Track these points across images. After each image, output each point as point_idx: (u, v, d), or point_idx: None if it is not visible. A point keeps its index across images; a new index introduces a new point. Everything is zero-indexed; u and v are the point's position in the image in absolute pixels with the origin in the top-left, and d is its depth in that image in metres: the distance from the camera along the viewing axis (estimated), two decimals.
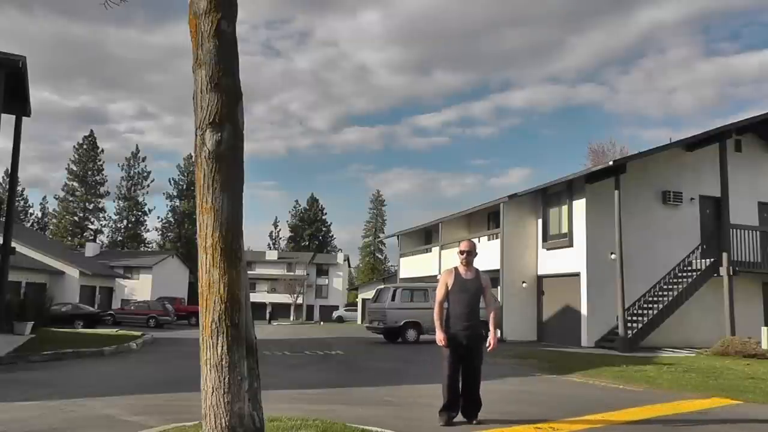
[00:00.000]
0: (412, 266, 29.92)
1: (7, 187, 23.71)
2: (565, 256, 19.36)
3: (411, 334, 18.20)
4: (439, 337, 5.47)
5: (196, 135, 3.49)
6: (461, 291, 5.58)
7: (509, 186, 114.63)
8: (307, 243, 79.43)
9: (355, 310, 53.27)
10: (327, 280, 67.02)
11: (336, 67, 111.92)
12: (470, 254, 5.71)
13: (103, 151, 65.60)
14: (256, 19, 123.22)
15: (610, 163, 17.74)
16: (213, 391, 3.29)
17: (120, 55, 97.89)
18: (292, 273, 64.76)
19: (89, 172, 63.71)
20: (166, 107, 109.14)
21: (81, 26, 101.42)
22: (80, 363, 11.31)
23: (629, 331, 16.72)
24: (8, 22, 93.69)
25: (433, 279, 25.70)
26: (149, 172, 67.96)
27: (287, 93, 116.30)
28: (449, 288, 5.62)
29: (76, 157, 63.74)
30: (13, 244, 17.68)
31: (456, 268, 5.71)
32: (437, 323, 5.54)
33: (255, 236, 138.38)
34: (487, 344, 5.65)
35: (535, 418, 5.84)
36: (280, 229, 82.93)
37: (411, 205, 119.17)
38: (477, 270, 5.76)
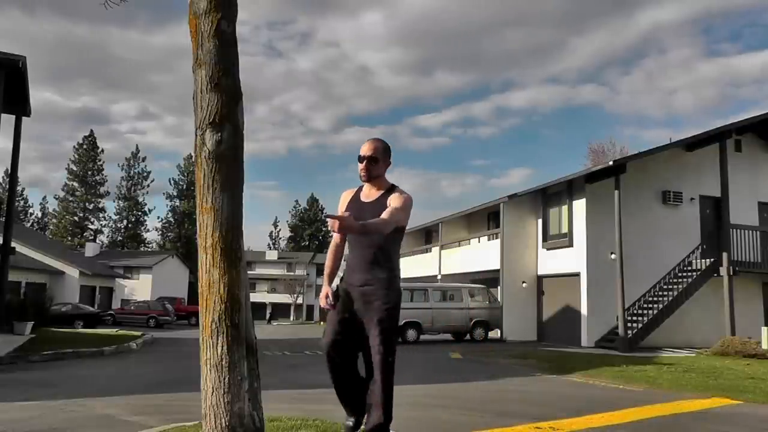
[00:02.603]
0: (411, 266, 29.93)
1: (7, 187, 23.70)
2: (565, 256, 19.37)
3: (411, 334, 18.23)
4: (322, 294, 3.52)
5: (196, 135, 3.49)
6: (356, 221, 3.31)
7: (509, 186, 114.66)
8: (307, 243, 79.45)
9: None
10: None
11: (337, 68, 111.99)
12: (372, 161, 3.43)
13: (103, 151, 65.68)
14: (258, 20, 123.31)
15: (610, 163, 17.75)
16: (213, 391, 3.30)
17: (122, 55, 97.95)
18: (292, 273, 64.75)
19: (89, 172, 63.72)
20: (168, 107, 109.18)
21: (83, 27, 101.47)
22: (80, 363, 11.32)
23: (629, 331, 16.72)
24: (10, 23, 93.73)
25: (433, 279, 25.72)
26: (149, 172, 68.08)
27: (288, 93, 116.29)
28: None
29: (76, 157, 63.76)
30: (13, 244, 17.69)
31: (359, 188, 3.59)
32: (324, 274, 3.65)
33: (255, 236, 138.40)
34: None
35: (535, 418, 5.83)
36: (280, 229, 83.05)
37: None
38: (390, 188, 3.50)
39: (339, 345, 3.45)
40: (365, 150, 3.46)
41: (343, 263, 3.66)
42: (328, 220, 3.07)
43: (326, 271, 3.64)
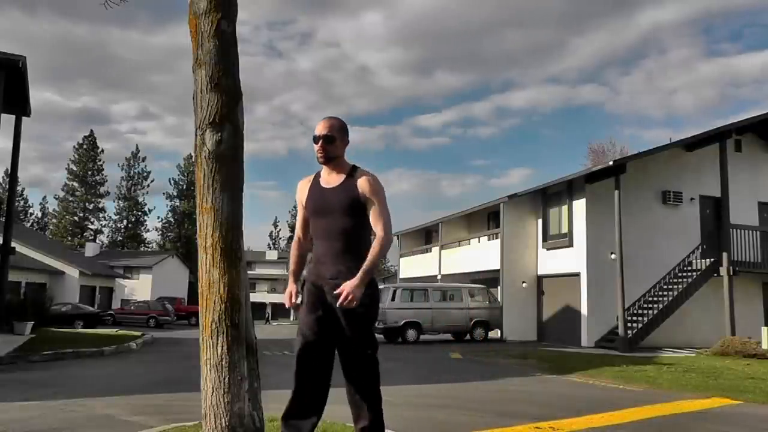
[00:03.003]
0: (412, 266, 29.93)
1: (7, 187, 23.71)
2: (565, 256, 19.37)
3: (411, 334, 18.23)
4: (286, 293, 3.26)
5: (196, 135, 3.49)
6: (318, 212, 3.19)
7: (510, 186, 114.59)
8: None
9: None
10: None
11: (337, 68, 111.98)
12: (328, 141, 3.17)
13: (103, 151, 65.62)
14: (258, 20, 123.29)
15: (610, 163, 17.76)
16: (213, 391, 3.30)
17: (122, 55, 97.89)
18: None
19: (89, 172, 63.70)
20: (168, 108, 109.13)
21: (83, 27, 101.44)
22: (80, 363, 11.31)
23: (629, 331, 16.73)
24: (11, 23, 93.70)
25: (433, 279, 25.73)
26: (149, 172, 68.00)
27: (289, 94, 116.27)
28: (305, 208, 3.29)
29: (76, 157, 63.74)
30: (13, 244, 17.70)
31: (317, 174, 3.31)
32: (289, 271, 3.39)
33: (255, 236, 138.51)
34: (341, 290, 2.98)
35: (535, 418, 5.83)
36: (280, 229, 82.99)
37: (411, 205, 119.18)
38: (354, 170, 3.22)
39: (316, 346, 3.17)
40: (320, 129, 3.20)
41: (309, 256, 3.44)
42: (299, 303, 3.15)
43: (291, 267, 3.39)
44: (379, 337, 19.19)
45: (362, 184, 3.14)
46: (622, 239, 16.91)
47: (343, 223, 3.12)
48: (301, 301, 3.25)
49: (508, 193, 21.42)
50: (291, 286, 3.27)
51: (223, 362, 3.31)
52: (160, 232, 69.06)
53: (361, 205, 3.12)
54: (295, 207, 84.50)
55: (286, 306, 3.32)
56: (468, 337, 19.35)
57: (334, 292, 3.00)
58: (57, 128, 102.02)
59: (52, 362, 11.24)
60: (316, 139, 3.19)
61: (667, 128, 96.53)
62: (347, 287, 2.95)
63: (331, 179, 3.21)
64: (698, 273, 17.79)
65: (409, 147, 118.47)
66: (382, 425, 3.20)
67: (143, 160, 67.85)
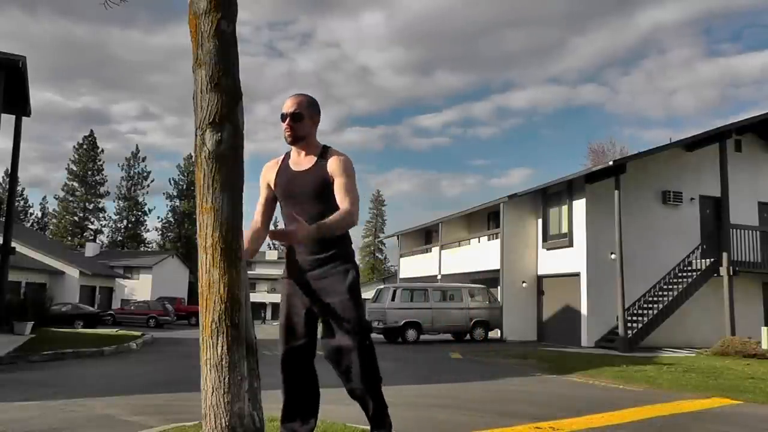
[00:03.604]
0: (412, 266, 29.92)
1: (7, 187, 23.72)
2: (565, 256, 19.37)
3: (411, 334, 18.24)
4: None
5: (195, 135, 3.48)
6: (288, 196, 3.01)
7: (510, 186, 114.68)
8: None
9: None
10: None
11: (338, 68, 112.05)
12: (296, 118, 2.96)
13: (103, 151, 65.65)
14: (259, 21, 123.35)
15: (610, 163, 17.77)
16: (213, 391, 3.29)
17: (123, 56, 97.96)
18: None
19: (89, 172, 63.71)
20: (168, 108, 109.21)
21: (84, 27, 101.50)
22: (80, 363, 11.32)
23: (629, 331, 16.73)
24: (11, 23, 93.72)
25: (433, 279, 25.73)
26: (149, 172, 68.04)
27: (289, 94, 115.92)
28: (274, 191, 3.10)
29: (76, 157, 63.75)
30: (13, 244, 17.71)
31: (286, 155, 3.11)
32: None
33: None
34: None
35: (535, 418, 5.83)
36: None
37: (411, 205, 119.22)
38: (325, 151, 3.02)
39: (300, 351, 2.99)
40: (287, 106, 2.97)
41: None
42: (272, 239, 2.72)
43: (246, 245, 3.06)
44: (379, 337, 19.22)
45: (331, 163, 2.94)
46: (622, 239, 16.92)
47: (317, 208, 2.91)
48: (281, 301, 3.11)
49: (508, 193, 21.45)
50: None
51: (223, 362, 3.31)
52: (160, 232, 69.09)
53: (332, 188, 2.92)
54: None
55: None
56: (468, 337, 19.35)
57: (275, 230, 2.72)
58: (57, 128, 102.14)
59: (52, 362, 11.24)
60: (283, 117, 2.99)
61: (667, 128, 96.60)
62: (292, 230, 2.69)
63: (301, 161, 3.01)
64: (698, 273, 17.79)
65: (410, 147, 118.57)
66: (384, 407, 3.08)
67: (143, 160, 67.94)
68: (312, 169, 2.97)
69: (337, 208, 2.88)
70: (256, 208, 3.18)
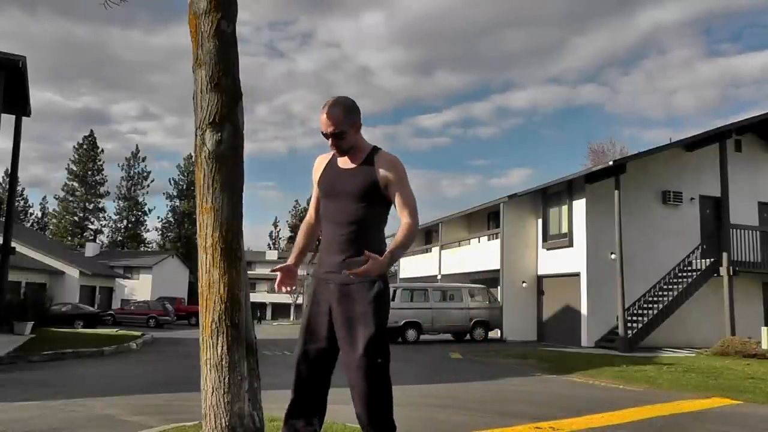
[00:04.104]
0: (412, 266, 29.92)
1: (7, 187, 23.72)
2: (565, 256, 19.37)
3: (411, 334, 18.23)
4: (281, 267, 2.94)
5: (196, 135, 3.49)
6: (330, 194, 2.89)
7: (510, 186, 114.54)
8: None
9: None
10: None
11: (338, 68, 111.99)
12: (338, 137, 2.83)
13: (103, 151, 65.67)
14: (260, 21, 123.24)
15: (610, 163, 17.76)
16: (213, 391, 3.30)
17: (123, 56, 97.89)
18: None
19: (89, 172, 63.72)
20: (168, 108, 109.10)
21: (84, 27, 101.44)
22: (80, 363, 11.32)
23: (629, 331, 16.73)
24: (11, 23, 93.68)
25: (433, 279, 25.73)
26: (149, 172, 68.06)
27: (289, 94, 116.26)
28: (319, 188, 2.99)
29: (76, 157, 63.76)
30: (13, 244, 17.72)
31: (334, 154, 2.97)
32: (292, 254, 3.07)
33: (255, 236, 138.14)
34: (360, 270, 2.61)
35: (535, 418, 5.83)
36: (280, 229, 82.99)
37: None
38: (374, 152, 2.91)
39: (317, 354, 2.84)
40: (325, 125, 2.80)
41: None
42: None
43: (294, 251, 3.03)
44: None
45: (383, 167, 2.80)
46: (622, 239, 16.91)
47: (355, 209, 2.77)
48: (304, 300, 2.97)
49: (508, 193, 21.44)
50: (289, 262, 2.95)
51: (223, 362, 3.31)
52: (160, 232, 69.10)
53: (378, 191, 2.78)
54: (294, 207, 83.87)
55: (276, 291, 3.00)
56: (468, 337, 19.35)
57: (344, 272, 2.63)
58: (57, 128, 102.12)
59: (52, 362, 11.24)
60: (325, 136, 2.85)
61: (667, 128, 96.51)
62: (369, 264, 2.56)
63: (349, 159, 2.89)
64: (698, 273, 17.79)
65: (410, 147, 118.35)
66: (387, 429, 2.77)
67: (143, 160, 67.96)
68: (358, 169, 2.84)
69: (377, 211, 2.81)
70: (311, 202, 3.08)
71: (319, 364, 2.86)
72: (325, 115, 2.82)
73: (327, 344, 2.82)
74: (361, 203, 2.78)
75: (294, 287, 2.96)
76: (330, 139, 2.83)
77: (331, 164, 2.94)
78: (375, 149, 2.92)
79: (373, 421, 2.75)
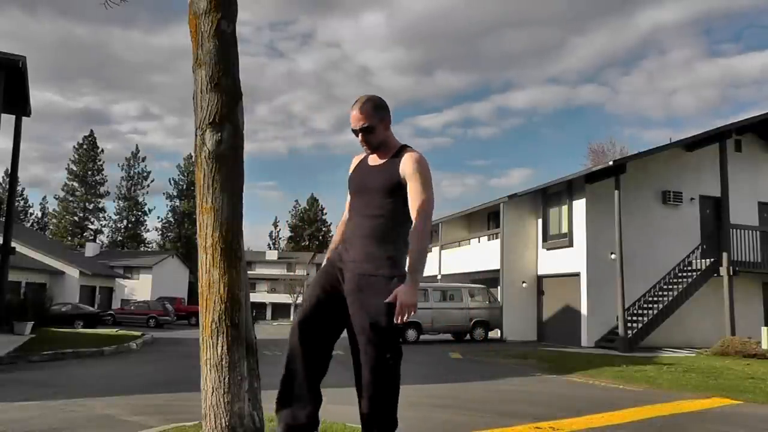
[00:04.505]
0: None
1: (7, 187, 23.72)
2: (565, 256, 19.37)
3: (411, 334, 18.24)
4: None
5: (196, 135, 3.49)
6: (357, 190, 2.98)
7: (509, 186, 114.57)
8: (307, 243, 79.41)
9: None
10: None
11: (338, 69, 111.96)
12: (367, 132, 2.89)
13: (103, 151, 65.77)
14: (260, 21, 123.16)
15: (610, 163, 17.76)
16: (213, 391, 3.30)
17: (123, 56, 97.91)
18: (292, 273, 64.75)
19: (89, 172, 63.76)
20: (169, 108, 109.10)
21: (84, 27, 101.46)
22: (80, 363, 11.32)
23: (629, 331, 16.73)
24: (11, 23, 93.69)
25: (433, 279, 25.72)
26: (149, 172, 68.17)
27: (290, 94, 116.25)
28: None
29: (76, 157, 63.80)
30: (13, 244, 17.71)
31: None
32: (329, 248, 3.11)
33: (255, 236, 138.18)
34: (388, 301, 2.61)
35: (535, 418, 5.83)
36: (280, 229, 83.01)
37: None
38: (399, 149, 2.93)
39: (312, 326, 2.84)
40: (355, 121, 2.87)
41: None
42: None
43: (331, 246, 3.09)
44: None
45: (403, 163, 2.81)
46: (622, 239, 16.91)
47: (379, 204, 2.82)
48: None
49: (508, 193, 21.44)
50: (327, 257, 3.03)
51: (223, 362, 3.31)
52: (160, 232, 69.16)
53: (401, 188, 2.79)
54: (294, 207, 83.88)
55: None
56: (468, 337, 19.35)
57: (385, 301, 2.60)
58: (58, 128, 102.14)
59: (52, 362, 11.24)
60: (355, 133, 2.91)
61: (667, 128, 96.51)
62: (399, 296, 2.55)
63: (378, 157, 2.95)
64: (698, 273, 17.79)
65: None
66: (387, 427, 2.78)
67: (143, 160, 68.05)
68: (384, 165, 2.89)
69: (401, 207, 2.81)
70: (347, 201, 3.11)
71: (311, 341, 2.86)
72: (356, 111, 2.88)
73: (322, 325, 2.85)
74: (387, 198, 2.82)
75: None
76: (360, 135, 2.90)
77: (363, 162, 3.03)
78: (403, 147, 2.95)
79: (375, 415, 2.81)
